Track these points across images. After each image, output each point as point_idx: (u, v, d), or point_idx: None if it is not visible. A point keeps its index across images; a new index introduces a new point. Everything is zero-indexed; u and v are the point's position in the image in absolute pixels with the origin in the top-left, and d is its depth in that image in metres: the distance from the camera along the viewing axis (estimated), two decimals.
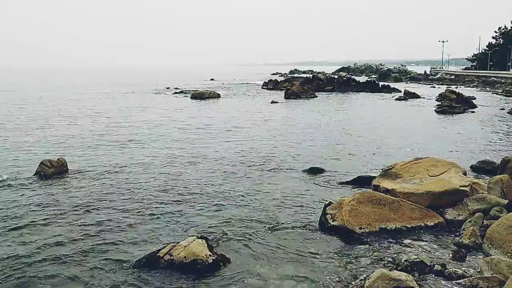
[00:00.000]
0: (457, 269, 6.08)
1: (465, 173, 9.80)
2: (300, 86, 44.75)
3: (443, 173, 9.47)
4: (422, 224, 7.92)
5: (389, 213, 7.98)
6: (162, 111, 28.90)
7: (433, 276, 6.00)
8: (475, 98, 35.71)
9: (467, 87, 57.63)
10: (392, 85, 53.94)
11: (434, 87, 58.92)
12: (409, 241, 7.46)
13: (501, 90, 49.51)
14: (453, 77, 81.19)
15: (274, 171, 12.52)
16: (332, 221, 7.91)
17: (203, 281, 6.10)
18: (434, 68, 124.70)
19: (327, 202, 8.75)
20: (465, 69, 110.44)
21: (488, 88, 54.23)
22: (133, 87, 59.26)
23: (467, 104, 30.96)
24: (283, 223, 8.34)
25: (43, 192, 10.38)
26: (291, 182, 11.32)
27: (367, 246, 7.27)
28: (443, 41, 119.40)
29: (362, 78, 62.75)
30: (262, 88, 55.89)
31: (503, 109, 30.25)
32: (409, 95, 39.47)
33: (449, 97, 32.91)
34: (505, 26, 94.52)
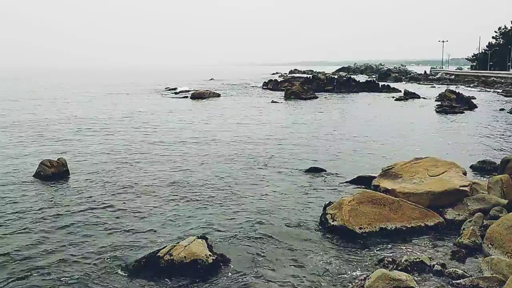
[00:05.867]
0: (457, 269, 6.08)
1: (465, 173, 9.80)
2: (300, 86, 44.72)
3: (443, 173, 9.47)
4: (422, 224, 7.92)
5: (389, 213, 7.98)
6: (162, 112, 28.89)
7: (433, 276, 6.00)
8: (475, 98, 35.72)
9: (467, 87, 57.64)
10: (392, 85, 53.96)
11: (434, 87, 58.91)
12: (409, 241, 7.46)
13: (501, 90, 49.54)
14: (453, 77, 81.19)
15: (274, 171, 12.51)
16: (332, 221, 7.91)
17: (203, 281, 6.10)
18: (434, 68, 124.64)
19: (327, 202, 8.76)
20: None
21: (488, 88, 54.23)
22: (132, 87, 59.26)
23: (467, 104, 30.94)
24: (283, 223, 8.34)
25: (43, 192, 10.38)
26: (291, 182, 11.33)
27: (367, 246, 7.27)
28: (443, 41, 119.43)
29: (362, 78, 62.73)
30: (262, 88, 55.89)
31: (503, 109, 30.25)
32: (409, 95, 39.46)
33: (449, 97, 32.92)
34: (505, 26, 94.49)
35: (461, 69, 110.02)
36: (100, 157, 14.31)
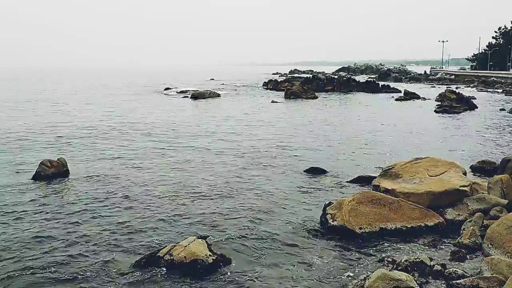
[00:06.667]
0: (457, 269, 6.08)
1: (465, 173, 9.80)
2: (300, 86, 44.74)
3: (443, 173, 9.47)
4: (422, 224, 7.92)
5: (389, 213, 7.98)
6: (162, 112, 28.89)
7: (433, 276, 5.99)
8: (475, 98, 35.71)
9: (467, 87, 57.65)
10: (392, 85, 53.98)
11: (434, 87, 58.93)
12: (409, 241, 7.46)
13: (501, 90, 49.56)
14: (453, 77, 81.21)
15: (274, 171, 12.51)
16: (332, 221, 7.91)
17: (203, 281, 6.10)
18: (434, 68, 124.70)
19: (327, 202, 8.76)
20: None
21: (488, 88, 54.27)
22: (132, 87, 59.28)
23: (467, 104, 30.92)
24: (283, 223, 8.34)
25: (43, 192, 10.38)
26: (291, 182, 11.32)
27: (367, 246, 7.27)
28: (443, 41, 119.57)
29: (362, 78, 62.76)
30: (262, 88, 55.98)
31: (503, 109, 30.25)
32: (409, 95, 39.43)
33: (449, 97, 32.89)
34: (505, 26, 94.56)
35: (465, 69, 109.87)
36: (99, 157, 14.30)
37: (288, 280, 6.17)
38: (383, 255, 6.84)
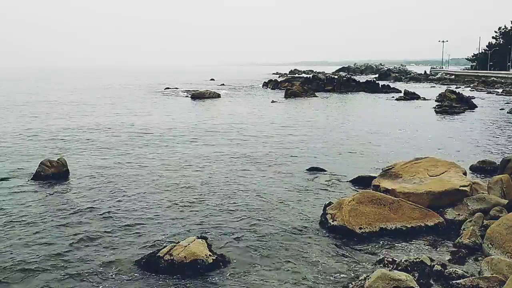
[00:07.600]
0: (457, 269, 6.08)
1: (465, 173, 9.80)
2: (300, 86, 44.78)
3: (443, 173, 9.47)
4: (422, 224, 7.92)
5: (389, 213, 7.98)
6: (162, 112, 28.91)
7: (433, 276, 5.99)
8: (475, 98, 35.70)
9: (467, 87, 57.65)
10: (392, 85, 54.03)
11: (434, 87, 58.93)
12: (409, 241, 7.47)
13: (501, 90, 49.56)
14: (453, 77, 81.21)
15: (274, 171, 12.51)
16: (332, 221, 7.91)
17: (203, 281, 6.10)
18: (434, 68, 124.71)
19: (327, 202, 8.76)
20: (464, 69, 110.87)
21: (488, 88, 54.26)
22: (132, 87, 59.28)
23: (467, 104, 30.93)
24: (283, 223, 8.34)
25: (43, 192, 10.38)
26: (292, 182, 11.32)
27: (367, 246, 7.27)
28: (443, 41, 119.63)
29: (362, 78, 62.75)
30: (262, 88, 56.02)
31: (503, 109, 30.25)
32: (409, 95, 39.43)
33: (449, 97, 32.88)
34: (505, 26, 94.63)
35: (469, 69, 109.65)
36: (99, 157, 14.31)
37: (288, 280, 6.17)
38: (383, 255, 6.84)
